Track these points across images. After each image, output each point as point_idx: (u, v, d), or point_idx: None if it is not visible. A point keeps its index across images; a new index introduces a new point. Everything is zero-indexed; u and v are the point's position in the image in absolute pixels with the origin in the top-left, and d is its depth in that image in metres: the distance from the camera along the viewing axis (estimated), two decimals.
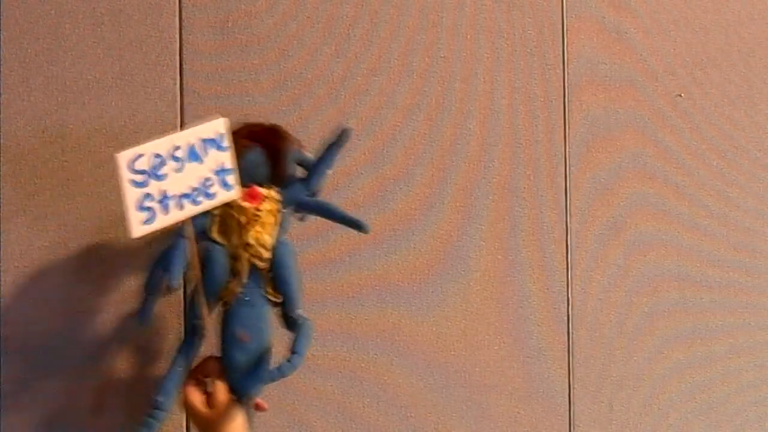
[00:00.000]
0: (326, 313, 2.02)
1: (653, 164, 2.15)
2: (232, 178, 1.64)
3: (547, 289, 2.09)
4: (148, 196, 1.56)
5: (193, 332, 1.72)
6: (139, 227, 1.55)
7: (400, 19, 2.04)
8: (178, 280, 1.64)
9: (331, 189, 2.01)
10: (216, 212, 1.69)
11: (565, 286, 2.10)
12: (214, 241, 1.69)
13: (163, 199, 1.58)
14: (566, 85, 2.11)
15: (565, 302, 2.10)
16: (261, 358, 1.68)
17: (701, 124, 2.18)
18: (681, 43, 2.17)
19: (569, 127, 2.11)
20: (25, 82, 1.93)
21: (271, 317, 1.72)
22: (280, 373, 1.64)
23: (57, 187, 1.93)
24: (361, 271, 2.03)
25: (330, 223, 1.98)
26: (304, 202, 1.76)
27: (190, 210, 1.61)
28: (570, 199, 2.10)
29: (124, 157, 1.54)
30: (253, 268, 1.69)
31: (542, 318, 2.09)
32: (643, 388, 2.15)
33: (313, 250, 2.01)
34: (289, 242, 1.73)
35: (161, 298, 1.74)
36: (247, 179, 1.69)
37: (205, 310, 1.67)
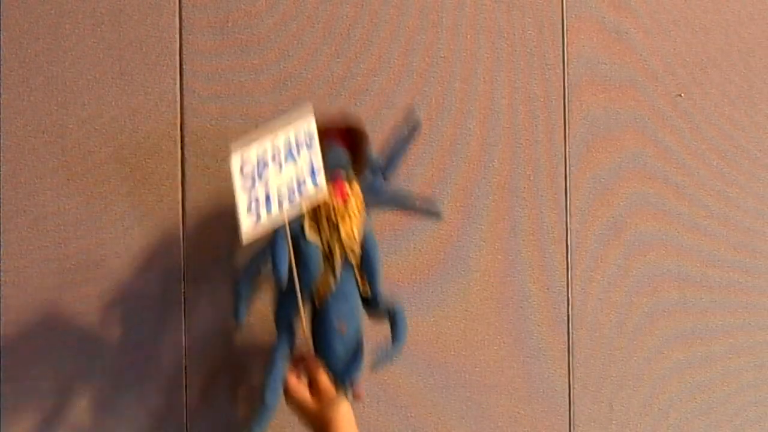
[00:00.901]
0: None
1: (653, 164, 2.15)
2: (320, 176, 1.69)
3: (547, 289, 2.09)
4: (255, 199, 1.60)
5: (288, 327, 1.77)
6: (249, 231, 1.60)
7: (399, 19, 2.04)
8: (286, 278, 1.68)
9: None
10: (308, 210, 1.74)
11: (565, 286, 2.10)
12: (308, 239, 1.74)
13: (267, 200, 1.62)
14: (566, 85, 2.11)
15: (565, 302, 2.10)
16: (357, 347, 1.76)
17: (701, 124, 2.18)
18: (681, 43, 2.17)
19: (569, 127, 2.11)
20: (25, 82, 1.93)
21: (362, 308, 1.78)
22: (387, 357, 1.73)
23: (57, 187, 1.93)
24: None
25: None
26: (382, 194, 1.83)
27: (289, 210, 1.66)
28: (570, 199, 2.10)
29: (236, 161, 1.57)
30: (346, 262, 1.76)
31: (542, 318, 2.09)
32: (643, 388, 2.14)
33: None
34: (372, 233, 1.79)
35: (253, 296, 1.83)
36: (331, 176, 1.74)
37: (301, 305, 1.71)
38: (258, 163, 1.60)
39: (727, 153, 2.19)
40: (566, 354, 2.10)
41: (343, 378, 1.74)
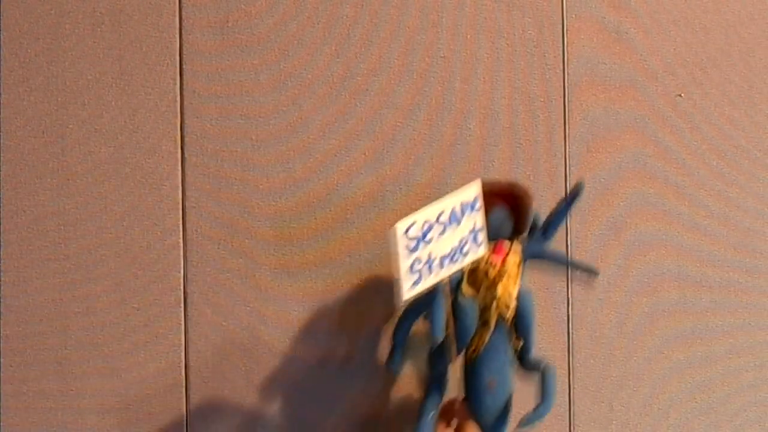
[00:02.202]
0: (326, 313, 2.02)
1: (653, 164, 2.15)
2: (482, 236, 1.76)
3: (547, 289, 2.09)
4: (415, 262, 1.68)
5: (439, 379, 1.86)
6: (408, 290, 1.67)
7: (399, 19, 2.04)
8: (442, 333, 1.76)
9: (331, 188, 2.02)
10: (466, 268, 1.80)
11: (565, 286, 2.10)
12: (465, 295, 1.82)
13: (427, 262, 1.69)
14: (566, 85, 2.11)
15: (565, 302, 2.10)
16: (506, 402, 1.83)
17: (701, 125, 2.17)
18: (681, 44, 2.17)
19: (569, 127, 2.11)
20: (25, 82, 1.93)
21: (513, 363, 1.86)
22: (537, 416, 1.80)
23: (57, 187, 1.93)
24: (360, 270, 2.03)
25: (329, 223, 1.99)
26: (542, 254, 1.90)
27: (450, 268, 1.73)
28: None
29: (401, 227, 1.66)
30: (499, 318, 1.82)
31: (542, 318, 2.09)
32: (643, 388, 2.14)
33: (312, 249, 2.01)
34: (529, 291, 1.86)
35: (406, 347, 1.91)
36: (492, 235, 1.80)
37: (453, 358, 1.80)
38: (423, 227, 1.68)
39: (727, 153, 2.19)
40: (566, 354, 2.10)
41: (491, 430, 1.82)
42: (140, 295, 1.96)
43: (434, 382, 1.86)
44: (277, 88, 2.00)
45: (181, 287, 1.97)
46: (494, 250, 1.81)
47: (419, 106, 2.05)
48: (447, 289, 1.76)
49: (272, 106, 1.99)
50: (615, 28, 2.14)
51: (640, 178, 2.15)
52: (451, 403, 1.83)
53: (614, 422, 2.13)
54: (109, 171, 1.95)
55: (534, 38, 2.10)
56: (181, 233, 1.98)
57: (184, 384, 1.98)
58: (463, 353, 1.84)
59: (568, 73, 2.12)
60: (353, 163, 2.02)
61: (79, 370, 1.96)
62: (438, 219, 1.70)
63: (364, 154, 2.02)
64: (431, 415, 1.82)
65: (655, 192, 2.15)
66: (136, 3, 1.96)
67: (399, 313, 1.90)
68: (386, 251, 2.02)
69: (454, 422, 1.79)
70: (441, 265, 1.71)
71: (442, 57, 2.06)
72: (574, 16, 2.12)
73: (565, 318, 2.10)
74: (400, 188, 2.03)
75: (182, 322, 1.98)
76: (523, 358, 1.87)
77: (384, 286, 2.03)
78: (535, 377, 1.85)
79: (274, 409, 2.00)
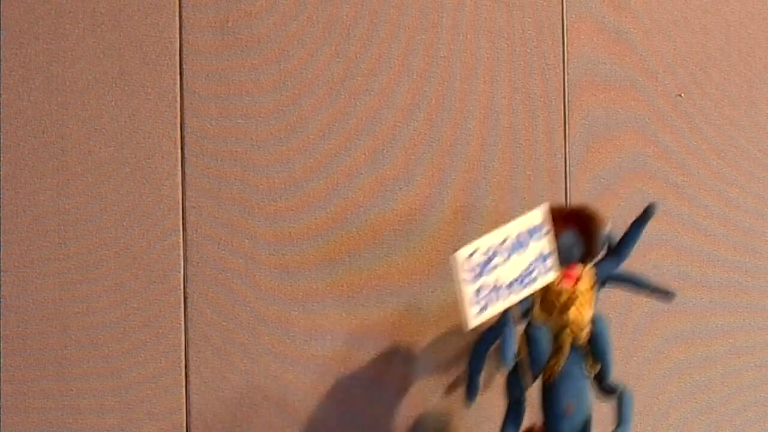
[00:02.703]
0: (326, 312, 2.02)
1: (653, 164, 2.15)
2: (551, 262, 1.78)
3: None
4: (481, 289, 1.68)
5: (517, 405, 1.88)
6: (474, 319, 1.68)
7: (399, 19, 2.04)
8: (511, 361, 1.79)
9: (331, 188, 2.02)
10: (537, 293, 1.82)
11: None
12: (537, 321, 1.84)
13: (494, 288, 1.70)
14: (566, 85, 2.11)
15: None
16: (585, 426, 1.86)
17: (701, 125, 2.17)
18: (681, 44, 2.17)
19: (569, 127, 2.11)
20: (25, 82, 1.93)
21: (590, 388, 1.87)
22: None
23: (57, 187, 1.93)
24: (360, 270, 2.03)
25: (329, 223, 2.00)
26: (615, 276, 1.92)
27: (517, 295, 1.74)
28: (570, 199, 2.10)
29: (460, 257, 1.65)
30: (573, 343, 1.84)
31: None
32: (643, 388, 2.14)
33: (313, 250, 2.01)
34: (603, 316, 1.88)
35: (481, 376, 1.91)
36: (563, 260, 1.82)
37: (529, 384, 1.82)
38: (487, 253, 1.68)
39: (726, 153, 2.19)
40: None
41: None
42: (140, 295, 1.96)
43: (512, 407, 1.89)
44: (277, 88, 2.00)
45: (181, 287, 1.97)
46: (565, 274, 1.83)
47: (419, 106, 2.05)
48: (517, 315, 1.79)
49: (272, 106, 1.99)
50: (615, 28, 2.14)
51: (640, 178, 2.15)
52: (531, 428, 1.87)
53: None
54: (109, 171, 1.95)
55: (534, 38, 2.10)
56: (181, 233, 1.98)
57: (184, 384, 1.98)
58: (539, 378, 1.86)
59: (568, 73, 2.12)
60: (353, 163, 2.02)
61: (79, 370, 1.96)
62: (503, 244, 1.71)
63: (364, 154, 2.02)
64: None
65: (655, 192, 2.15)
66: (136, 3, 1.96)
67: (472, 342, 1.91)
68: (387, 251, 2.04)
69: None
70: (509, 290, 1.72)
71: (441, 57, 2.06)
72: (574, 16, 2.12)
73: None
74: (400, 188, 2.03)
75: (182, 322, 1.98)
76: (600, 381, 1.88)
77: (386, 287, 2.04)
78: (612, 401, 1.87)
79: (273, 409, 2.00)
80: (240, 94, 1.98)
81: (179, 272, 1.98)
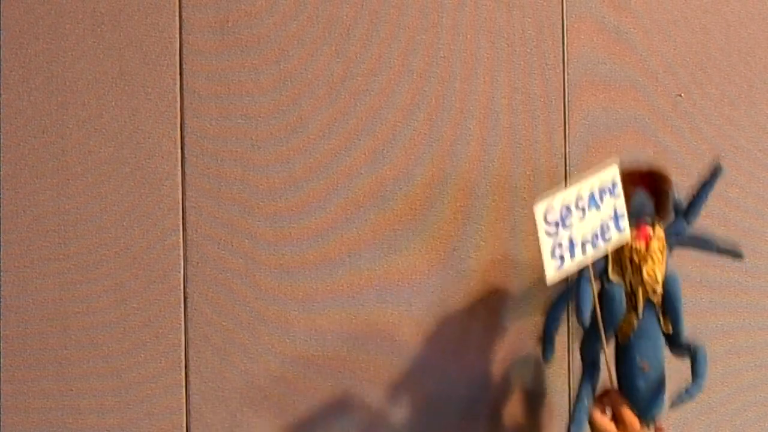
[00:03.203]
0: (326, 313, 2.02)
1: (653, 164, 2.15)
2: (624, 221, 1.80)
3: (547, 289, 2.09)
4: (558, 244, 1.72)
5: (593, 364, 1.90)
6: (553, 273, 1.71)
7: (399, 18, 2.04)
8: (588, 319, 1.78)
9: (331, 188, 2.02)
10: (611, 253, 1.84)
11: (565, 286, 2.10)
12: (612, 280, 1.85)
13: (570, 245, 1.73)
14: (566, 85, 2.11)
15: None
16: (660, 384, 1.87)
17: (701, 125, 2.17)
18: (681, 44, 2.17)
19: (569, 127, 2.11)
20: (25, 82, 1.93)
21: (664, 346, 1.87)
22: (689, 395, 1.84)
23: (57, 187, 1.93)
24: (361, 271, 2.03)
25: (329, 223, 2.00)
26: (685, 236, 1.93)
27: (592, 253, 1.77)
28: None
29: (539, 210, 1.70)
30: (647, 301, 1.85)
31: (542, 318, 2.09)
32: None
33: (312, 249, 2.01)
34: (676, 273, 1.87)
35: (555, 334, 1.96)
36: (635, 220, 1.85)
37: (604, 343, 1.81)
38: (562, 211, 1.72)
39: (727, 153, 2.19)
40: (566, 354, 2.10)
41: (646, 414, 1.86)
42: (140, 295, 1.96)
43: (587, 368, 1.91)
44: (277, 88, 2.00)
45: (181, 287, 1.97)
46: (637, 234, 1.85)
47: (419, 106, 2.05)
48: (592, 274, 1.79)
49: (272, 106, 1.99)
50: (615, 28, 2.14)
51: None
52: (606, 388, 1.87)
53: None
54: (109, 171, 1.96)
55: (534, 38, 2.10)
56: (181, 233, 1.98)
57: (184, 384, 1.98)
58: (614, 339, 1.88)
59: (568, 73, 2.12)
60: (353, 162, 2.02)
61: (79, 370, 1.96)
62: (576, 203, 1.74)
63: (364, 153, 2.03)
64: (586, 400, 1.87)
65: None
66: (136, 3, 1.96)
67: (548, 303, 1.96)
68: (387, 251, 2.04)
69: (610, 408, 1.84)
70: (583, 250, 1.75)
71: (441, 57, 2.06)
72: (574, 16, 2.12)
73: (565, 317, 2.10)
74: (400, 188, 2.04)
75: (182, 322, 1.98)
76: (674, 340, 1.88)
77: (386, 287, 2.04)
78: (686, 358, 1.87)
79: (273, 409, 2.00)
80: (240, 94, 1.98)
81: (179, 272, 1.98)
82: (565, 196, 1.73)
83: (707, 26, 2.18)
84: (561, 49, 2.11)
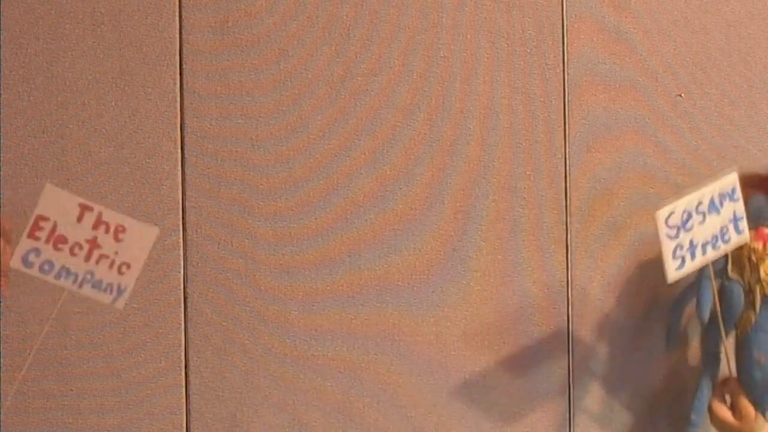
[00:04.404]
0: (326, 312, 2.02)
1: (653, 164, 2.14)
2: (743, 224, 1.91)
3: (547, 289, 2.09)
4: (679, 246, 1.83)
5: (713, 356, 2.02)
6: (673, 273, 1.83)
7: (399, 19, 2.04)
8: (707, 315, 1.93)
9: (331, 188, 2.02)
10: (731, 253, 1.95)
11: (565, 286, 2.10)
12: (731, 278, 1.96)
13: (690, 247, 1.84)
14: (566, 85, 2.11)
15: (565, 302, 2.10)
16: None
17: (701, 125, 2.17)
18: (681, 44, 2.17)
19: (569, 127, 2.11)
20: (25, 82, 1.93)
21: None
22: None
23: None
24: (361, 271, 2.03)
25: (329, 223, 2.00)
26: None
27: (711, 254, 1.88)
28: (570, 199, 2.10)
29: (661, 215, 1.81)
30: (765, 297, 1.94)
31: (542, 318, 2.09)
32: (643, 387, 2.14)
33: (312, 249, 2.01)
34: None
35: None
36: (753, 222, 1.95)
37: (724, 337, 1.92)
38: (683, 215, 1.83)
39: (726, 153, 2.19)
40: (566, 354, 2.10)
41: (761, 403, 1.92)
42: (140, 295, 1.96)
43: (708, 361, 2.02)
44: (277, 88, 2.00)
45: (181, 287, 1.97)
46: (755, 235, 1.94)
47: (419, 106, 2.05)
48: (712, 273, 1.89)
49: (272, 106, 1.99)
50: (615, 28, 2.14)
51: (640, 178, 2.15)
52: (725, 379, 1.96)
53: (614, 422, 2.13)
54: (109, 171, 1.95)
55: (534, 38, 2.10)
56: (181, 233, 1.98)
57: (184, 384, 1.98)
58: (733, 333, 1.97)
59: (568, 73, 2.12)
60: (353, 163, 2.02)
61: (79, 370, 1.96)
62: (697, 208, 1.85)
63: (364, 154, 2.02)
64: (706, 390, 1.99)
65: (655, 192, 2.15)
66: (136, 3, 1.96)
67: (674, 298, 2.05)
68: (387, 251, 2.04)
69: (728, 397, 1.93)
70: (704, 251, 1.86)
71: (442, 57, 2.06)
72: (574, 16, 2.12)
73: (565, 318, 2.10)
74: (400, 188, 2.04)
75: (182, 322, 1.98)
76: None
77: (386, 287, 2.04)
78: None
79: (273, 409, 2.00)
80: (240, 94, 1.98)
81: (179, 272, 1.98)
82: (687, 201, 1.84)
83: (707, 26, 2.18)
84: (561, 49, 2.11)
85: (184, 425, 1.97)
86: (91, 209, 1.71)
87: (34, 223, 1.70)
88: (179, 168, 1.97)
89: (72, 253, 1.71)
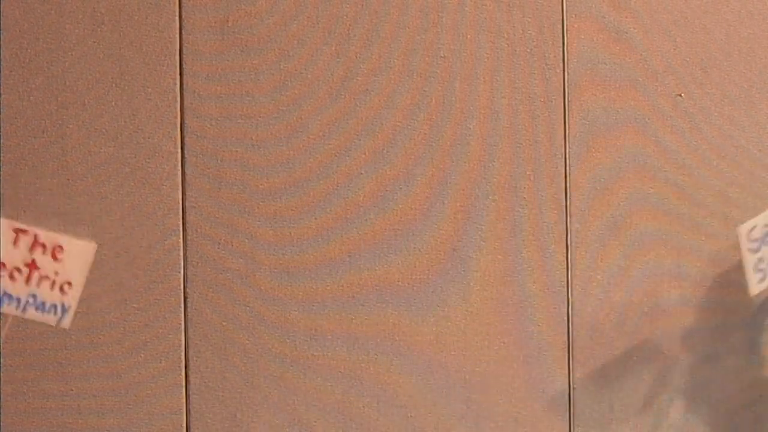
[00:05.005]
0: (326, 313, 2.02)
1: (653, 164, 2.15)
2: None
3: (547, 289, 2.09)
4: (760, 259, 1.92)
5: None
6: (755, 285, 1.93)
7: (400, 19, 2.04)
8: None
9: (332, 189, 2.02)
10: None
11: (565, 286, 2.10)
12: None
13: None
14: (566, 85, 2.11)
15: (565, 302, 2.10)
16: None
17: (701, 124, 2.18)
18: (681, 43, 2.17)
19: (569, 127, 2.11)
20: (25, 82, 1.93)
21: None
22: None
23: (57, 188, 1.93)
24: (361, 271, 2.03)
25: (329, 223, 2.00)
26: None
27: None
28: (570, 199, 2.10)
29: (744, 229, 1.91)
30: None
31: (542, 318, 2.09)
32: (643, 387, 2.14)
33: (313, 250, 2.01)
34: None
35: None
36: None
37: None
38: (765, 229, 1.93)
39: (727, 152, 2.19)
40: (566, 354, 2.10)
41: None
42: (140, 295, 1.96)
43: None
44: (277, 89, 2.00)
45: (181, 287, 1.97)
46: None
47: (420, 106, 2.05)
48: None
49: (272, 107, 1.99)
50: (615, 27, 2.14)
51: (640, 177, 2.15)
52: None
53: (614, 422, 2.13)
54: (109, 171, 1.95)
55: (534, 38, 2.10)
56: (181, 233, 1.98)
57: (184, 384, 1.99)
58: None
59: (568, 73, 2.12)
60: (353, 163, 2.02)
61: (79, 370, 1.96)
62: None
63: (365, 154, 2.03)
64: None
65: (655, 191, 2.15)
66: (136, 3, 1.96)
67: (757, 309, 2.12)
68: (387, 251, 2.04)
69: None
70: None
71: (442, 57, 2.06)
72: (574, 16, 2.12)
73: (565, 318, 2.10)
74: (401, 188, 2.04)
75: (182, 322, 1.98)
76: None
77: (386, 288, 2.04)
78: None
79: (273, 410, 2.01)
80: (240, 94, 1.98)
81: (179, 272, 1.98)
82: (766, 216, 1.94)
83: (707, 26, 2.18)
84: (561, 48, 2.11)
85: (184, 425, 1.97)
86: (26, 232, 1.69)
87: None
88: (179, 168, 1.97)
89: (11, 277, 1.69)
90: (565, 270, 2.10)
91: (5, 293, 1.69)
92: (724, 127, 2.18)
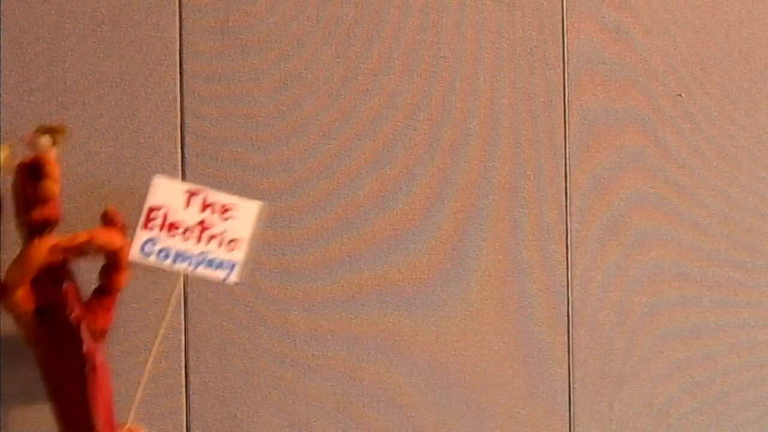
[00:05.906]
0: (326, 313, 2.02)
1: (653, 163, 2.15)
2: None
3: (547, 289, 2.09)
4: None
5: None
6: None
7: (401, 19, 2.04)
8: None
9: (332, 189, 2.02)
10: None
11: (565, 286, 2.10)
12: None
13: None
14: (566, 84, 2.11)
15: (565, 302, 2.10)
16: None
17: (701, 124, 2.17)
18: (681, 43, 2.16)
19: (569, 127, 2.11)
20: (25, 82, 1.93)
21: None
22: None
23: None
24: (361, 271, 2.03)
25: (330, 224, 2.00)
26: None
27: None
28: (570, 199, 2.10)
29: None
30: None
31: (542, 318, 2.09)
32: (643, 387, 2.15)
33: (313, 250, 2.01)
34: None
35: None
36: None
37: None
38: None
39: (727, 152, 2.19)
40: (566, 354, 2.10)
41: None
42: (140, 295, 1.96)
43: None
44: (277, 89, 1.99)
45: (181, 287, 1.97)
46: None
47: (420, 107, 2.05)
48: None
49: (273, 107, 1.99)
50: (615, 27, 2.14)
51: (640, 177, 2.15)
52: None
53: (614, 422, 2.13)
54: (109, 171, 1.95)
55: (534, 38, 2.10)
56: None
57: (184, 384, 1.99)
58: None
59: (568, 73, 2.12)
60: (354, 163, 2.02)
61: None
62: None
63: (365, 154, 2.02)
64: None
65: (655, 191, 2.15)
66: (136, 3, 1.95)
67: None
68: (387, 251, 2.04)
69: None
70: None
71: (442, 57, 2.06)
72: (574, 15, 2.12)
73: (565, 318, 2.10)
74: (401, 189, 2.04)
75: (182, 322, 1.98)
76: None
77: (387, 288, 2.04)
78: None
79: (273, 410, 2.01)
80: (241, 95, 1.98)
81: (179, 272, 1.97)
82: None
83: (708, 25, 2.18)
84: (561, 48, 2.11)
85: (184, 426, 1.97)
86: (196, 193, 1.74)
87: (146, 214, 1.73)
88: (179, 169, 1.97)
89: (185, 237, 1.74)
90: (565, 270, 2.10)
91: (179, 252, 1.73)
92: (725, 126, 2.18)
